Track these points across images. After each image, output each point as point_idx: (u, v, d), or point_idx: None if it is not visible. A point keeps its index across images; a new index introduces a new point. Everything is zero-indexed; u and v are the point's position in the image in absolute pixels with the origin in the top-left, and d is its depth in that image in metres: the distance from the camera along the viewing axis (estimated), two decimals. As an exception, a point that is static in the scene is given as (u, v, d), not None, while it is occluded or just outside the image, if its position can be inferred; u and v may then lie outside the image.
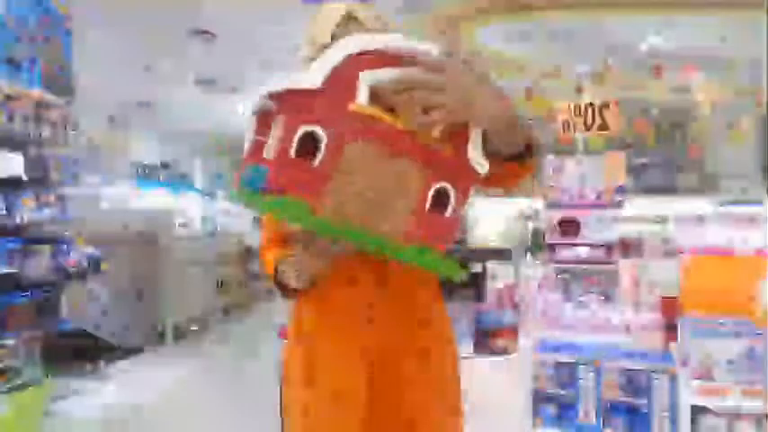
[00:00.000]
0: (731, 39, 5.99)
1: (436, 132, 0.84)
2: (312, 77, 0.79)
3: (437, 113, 0.83)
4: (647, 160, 8.90)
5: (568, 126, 3.83)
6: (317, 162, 0.79)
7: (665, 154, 9.07)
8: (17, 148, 3.81)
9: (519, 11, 5.95)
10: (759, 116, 7.60)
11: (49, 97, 4.11)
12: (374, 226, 0.81)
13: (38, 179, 4.00)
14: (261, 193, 0.78)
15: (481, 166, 0.86)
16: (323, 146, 0.79)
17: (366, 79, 0.81)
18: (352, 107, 0.80)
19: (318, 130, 0.79)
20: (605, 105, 3.75)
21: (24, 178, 3.82)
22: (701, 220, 2.46)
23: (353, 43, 0.81)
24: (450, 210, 0.86)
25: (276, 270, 1.09)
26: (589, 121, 3.77)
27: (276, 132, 0.79)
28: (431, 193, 0.84)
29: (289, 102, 0.79)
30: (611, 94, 4.30)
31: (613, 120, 3.75)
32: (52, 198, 4.16)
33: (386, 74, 0.82)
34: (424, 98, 0.83)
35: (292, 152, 0.79)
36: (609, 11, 5.90)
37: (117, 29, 5.51)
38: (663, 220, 5.11)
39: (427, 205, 0.84)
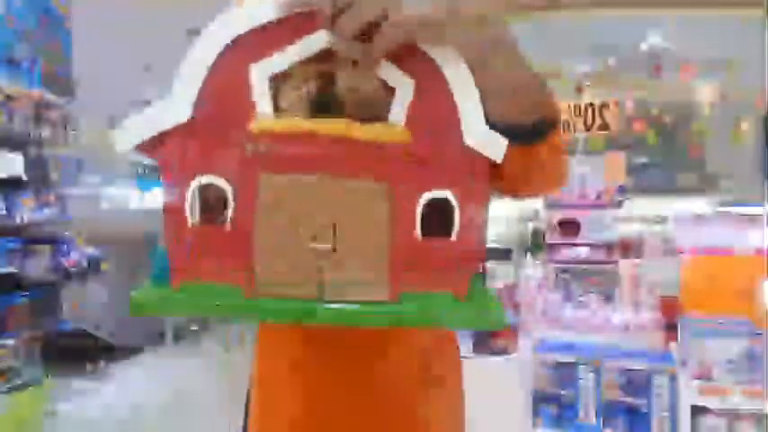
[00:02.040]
0: (731, 39, 5.99)
1: (401, 116, 0.54)
2: (176, 109, 0.52)
3: (384, 34, 0.51)
4: (647, 160, 8.91)
5: (568, 126, 3.83)
6: (228, 221, 0.53)
7: (665, 154, 9.08)
8: (17, 148, 3.82)
9: (519, 11, 5.96)
10: (759, 116, 7.60)
11: (49, 97, 4.12)
12: (334, 290, 0.54)
13: (38, 179, 4.00)
14: (168, 285, 0.54)
15: (490, 144, 0.54)
16: (229, 197, 0.53)
17: (261, 76, 0.52)
18: (253, 127, 0.52)
19: (215, 178, 0.53)
20: (605, 105, 3.75)
21: (24, 178, 3.83)
22: (700, 219, 2.46)
23: (222, 30, 0.53)
24: (457, 226, 0.55)
25: None
26: (589, 121, 3.77)
27: (165, 195, 0.54)
28: (419, 210, 0.54)
29: (163, 149, 0.53)
30: (611, 95, 4.31)
31: (613, 120, 3.75)
32: (52, 198, 4.17)
33: (290, 53, 0.53)
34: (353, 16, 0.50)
35: (189, 218, 0.53)
36: (609, 10, 5.90)
37: (117, 29, 5.52)
38: (663, 220, 5.11)
39: (417, 230, 0.54)
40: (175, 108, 0.52)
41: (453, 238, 0.55)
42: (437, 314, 0.55)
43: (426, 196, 0.54)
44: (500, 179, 0.60)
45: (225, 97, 0.53)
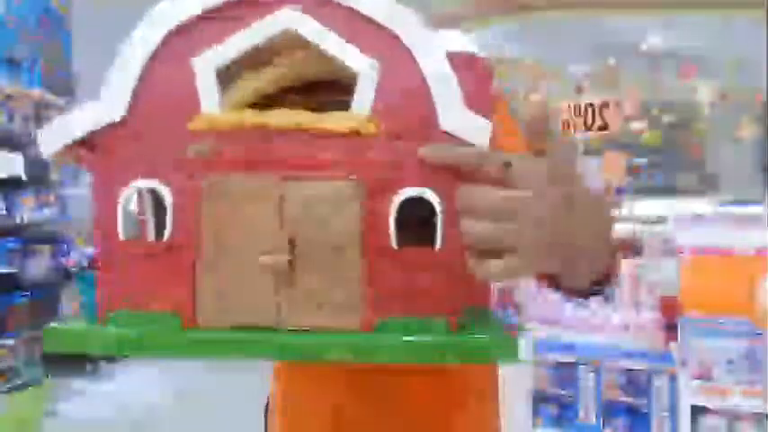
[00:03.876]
0: (731, 39, 5.99)
1: (365, 103, 0.45)
2: (109, 106, 0.45)
3: (509, 263, 0.42)
4: (647, 160, 8.91)
5: (568, 126, 3.83)
6: (167, 234, 0.45)
7: (665, 154, 9.08)
8: (17, 148, 3.82)
9: (519, 11, 5.96)
10: (759, 116, 7.61)
11: (49, 97, 4.13)
12: (294, 317, 0.44)
13: (38, 179, 4.01)
14: (96, 314, 0.46)
15: (471, 128, 0.44)
16: (168, 206, 0.45)
17: (205, 68, 0.45)
18: (194, 124, 0.45)
19: (151, 183, 0.45)
20: (605, 105, 3.75)
21: (24, 178, 3.83)
22: (700, 219, 2.46)
23: (162, 18, 0.46)
24: (440, 232, 0.44)
25: None
26: (589, 121, 3.78)
27: (95, 205, 0.46)
28: (392, 213, 0.44)
29: (93, 152, 0.46)
30: (611, 94, 4.32)
31: (613, 120, 3.75)
32: (52, 198, 4.17)
33: (238, 42, 0.45)
34: (483, 231, 0.42)
35: (120, 231, 0.45)
36: (609, 10, 5.90)
37: (117, 29, 5.52)
38: (663, 220, 5.13)
39: (392, 238, 0.44)
40: (107, 106, 0.45)
41: (438, 246, 0.44)
42: (423, 347, 0.43)
43: (400, 196, 0.44)
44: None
45: (165, 93, 0.45)
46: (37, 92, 3.99)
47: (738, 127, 7.63)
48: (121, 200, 0.45)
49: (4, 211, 3.71)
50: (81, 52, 4.64)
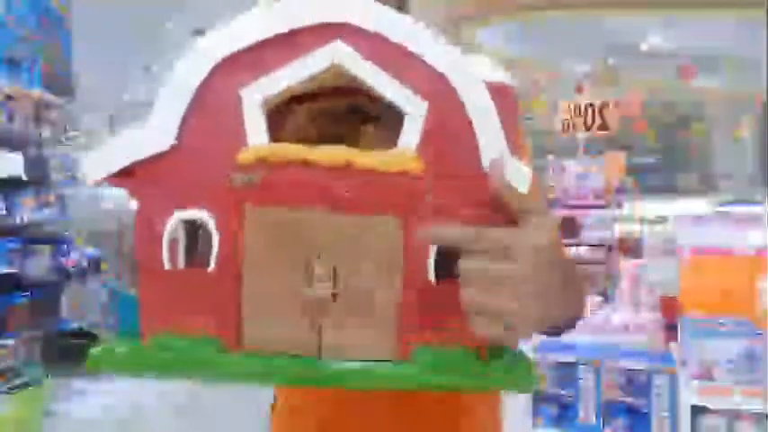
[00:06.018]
0: (731, 39, 6.00)
1: (411, 142, 0.46)
2: (157, 135, 0.46)
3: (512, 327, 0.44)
4: (647, 160, 8.92)
5: (568, 126, 3.84)
6: (212, 264, 0.46)
7: (665, 154, 9.09)
8: (17, 148, 3.82)
9: (519, 11, 5.96)
10: (759, 116, 7.61)
11: (49, 97, 4.12)
12: (334, 345, 0.46)
13: (38, 179, 4.00)
14: (138, 338, 0.48)
15: (513, 172, 0.46)
16: (213, 235, 0.46)
17: (253, 99, 0.46)
18: (241, 156, 0.46)
19: (198, 213, 0.46)
20: (605, 105, 3.75)
21: (24, 178, 3.83)
22: (700, 219, 2.46)
23: (210, 48, 0.47)
24: None
25: None
26: (589, 121, 3.78)
27: (138, 231, 0.48)
28: (433, 249, 0.46)
29: (139, 180, 0.47)
30: (611, 94, 4.32)
31: (613, 120, 3.75)
32: (52, 198, 4.17)
33: (287, 74, 0.46)
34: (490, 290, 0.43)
35: (165, 260, 0.47)
36: (609, 10, 5.91)
37: (117, 29, 5.52)
38: (663, 220, 5.13)
39: (431, 272, 0.46)
40: (156, 134, 0.46)
41: None
42: (456, 375, 0.46)
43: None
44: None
45: (212, 123, 0.46)
46: (37, 92, 3.99)
47: (738, 127, 7.64)
48: (167, 228, 0.47)
49: (4, 211, 3.71)
50: (81, 52, 4.64)
